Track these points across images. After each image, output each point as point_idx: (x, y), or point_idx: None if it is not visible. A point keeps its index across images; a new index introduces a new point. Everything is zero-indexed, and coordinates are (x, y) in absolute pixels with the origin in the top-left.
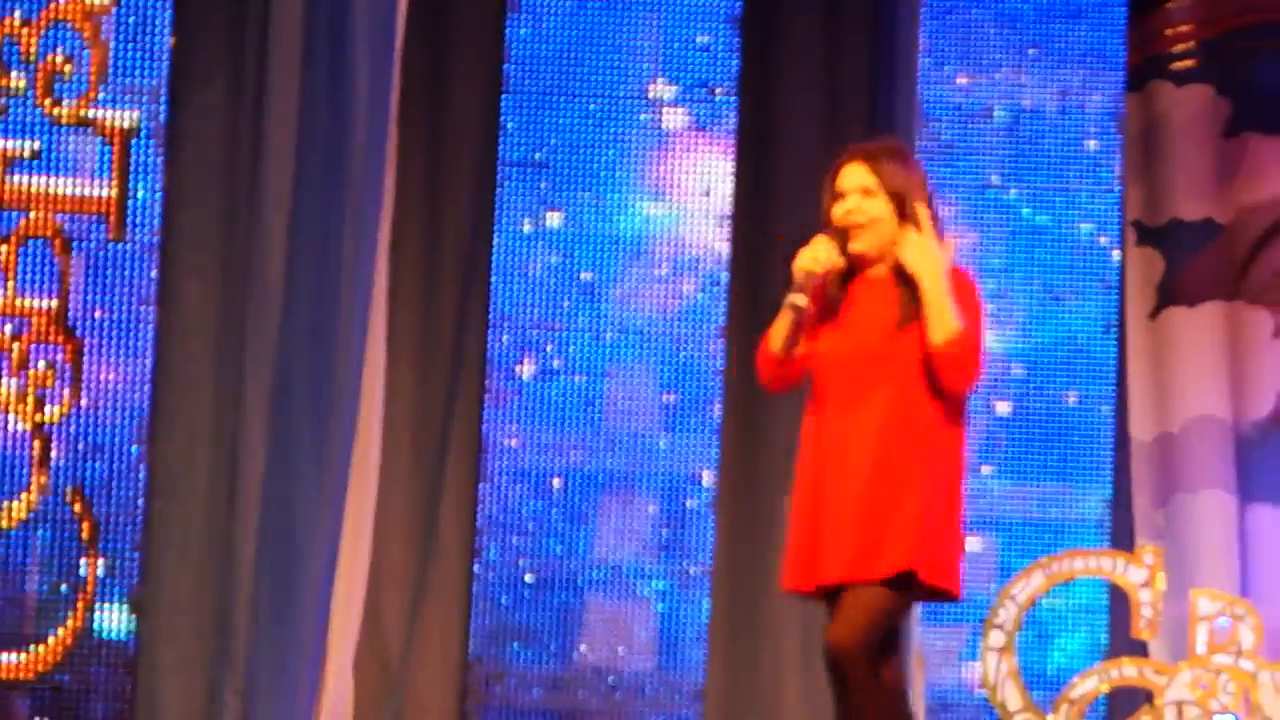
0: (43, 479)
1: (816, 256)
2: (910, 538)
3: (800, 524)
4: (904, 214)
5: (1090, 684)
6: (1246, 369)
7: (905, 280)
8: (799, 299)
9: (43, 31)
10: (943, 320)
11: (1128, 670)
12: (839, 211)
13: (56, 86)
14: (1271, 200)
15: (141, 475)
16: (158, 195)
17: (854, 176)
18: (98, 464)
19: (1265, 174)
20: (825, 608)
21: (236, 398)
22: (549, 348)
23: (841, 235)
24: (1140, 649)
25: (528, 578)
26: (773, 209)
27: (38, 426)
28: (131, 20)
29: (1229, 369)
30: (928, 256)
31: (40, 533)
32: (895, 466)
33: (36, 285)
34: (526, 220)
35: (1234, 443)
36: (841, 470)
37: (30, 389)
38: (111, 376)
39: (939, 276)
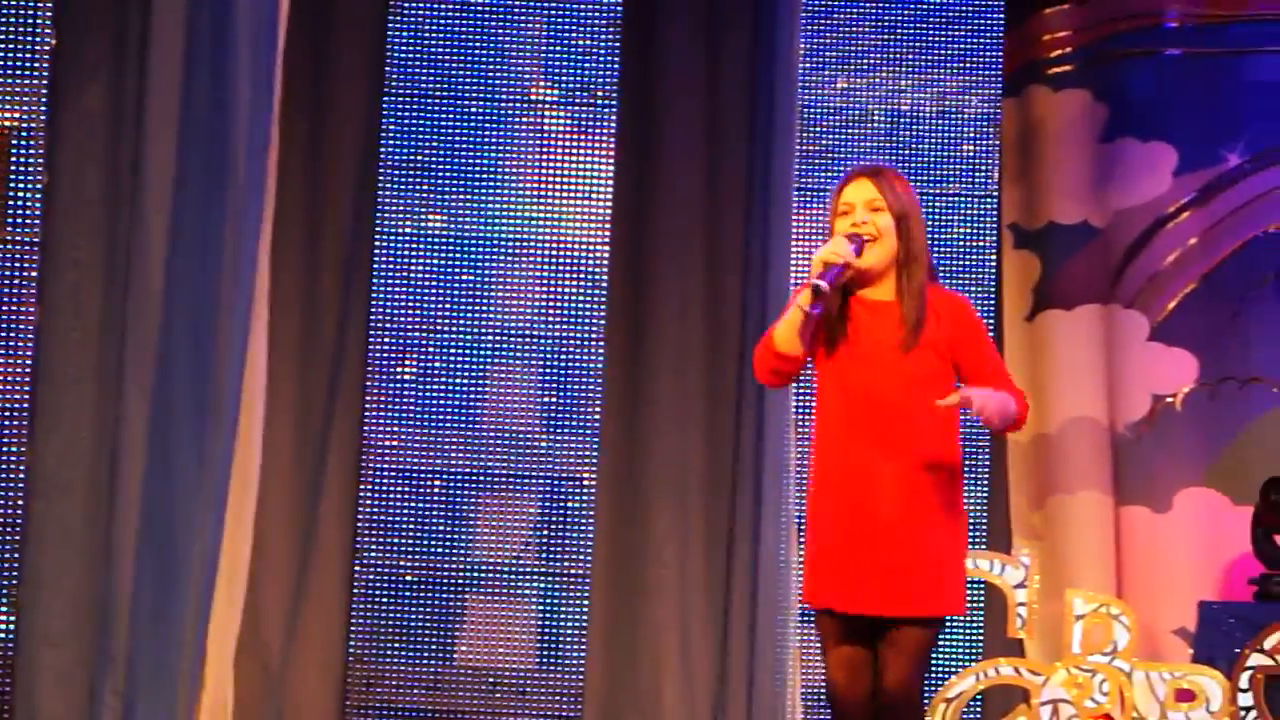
0: None
1: (836, 250)
2: (956, 578)
3: (833, 544)
4: (904, 234)
5: (967, 683)
6: (1122, 372)
7: (907, 303)
8: (821, 284)
9: None
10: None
11: (1004, 669)
12: (845, 225)
13: None
14: (1147, 204)
15: (21, 475)
16: (38, 195)
17: (861, 191)
18: None
19: (1141, 178)
20: (840, 621)
21: (117, 397)
22: (430, 348)
23: (861, 251)
24: (1016, 649)
25: (408, 577)
26: (653, 210)
27: None
28: (12, 20)
29: (1105, 371)
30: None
31: None
32: (930, 500)
33: None
34: (407, 221)
35: (1109, 444)
36: (874, 498)
37: None
38: None
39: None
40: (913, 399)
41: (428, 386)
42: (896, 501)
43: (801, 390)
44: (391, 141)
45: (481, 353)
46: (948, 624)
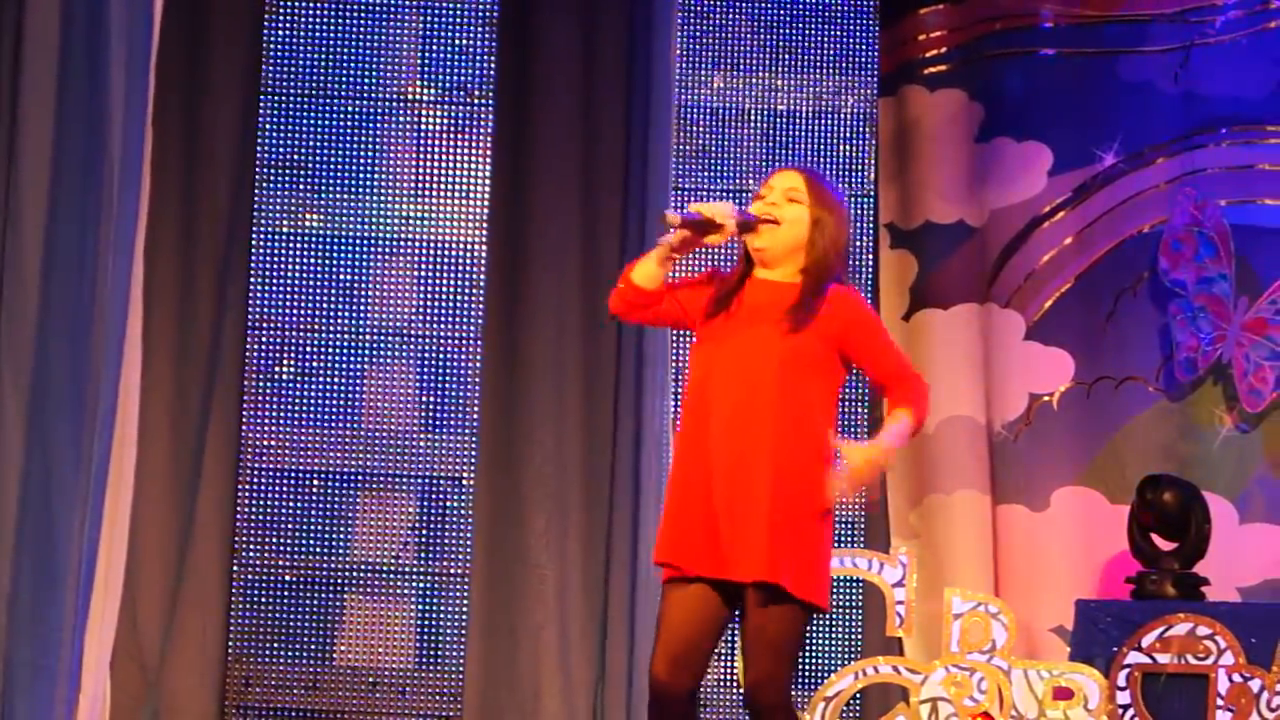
0: None
1: (716, 208)
2: (821, 568)
3: (692, 509)
4: (818, 231)
5: (846, 682)
6: (999, 370)
7: (803, 290)
8: (668, 212)
9: None
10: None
11: (883, 668)
12: (759, 207)
13: None
14: (1023, 203)
15: None
16: None
17: (786, 180)
18: None
19: (1016, 178)
20: (682, 603)
21: None
22: (308, 347)
23: (748, 226)
24: (895, 647)
25: (287, 577)
26: (530, 210)
27: None
28: None
29: (982, 371)
30: (872, 467)
31: None
32: (794, 481)
33: None
34: (284, 220)
35: (987, 444)
36: (739, 469)
37: None
38: None
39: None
40: (780, 377)
41: (306, 386)
42: (755, 472)
43: (680, 389)
44: (268, 140)
45: (360, 352)
46: (816, 621)
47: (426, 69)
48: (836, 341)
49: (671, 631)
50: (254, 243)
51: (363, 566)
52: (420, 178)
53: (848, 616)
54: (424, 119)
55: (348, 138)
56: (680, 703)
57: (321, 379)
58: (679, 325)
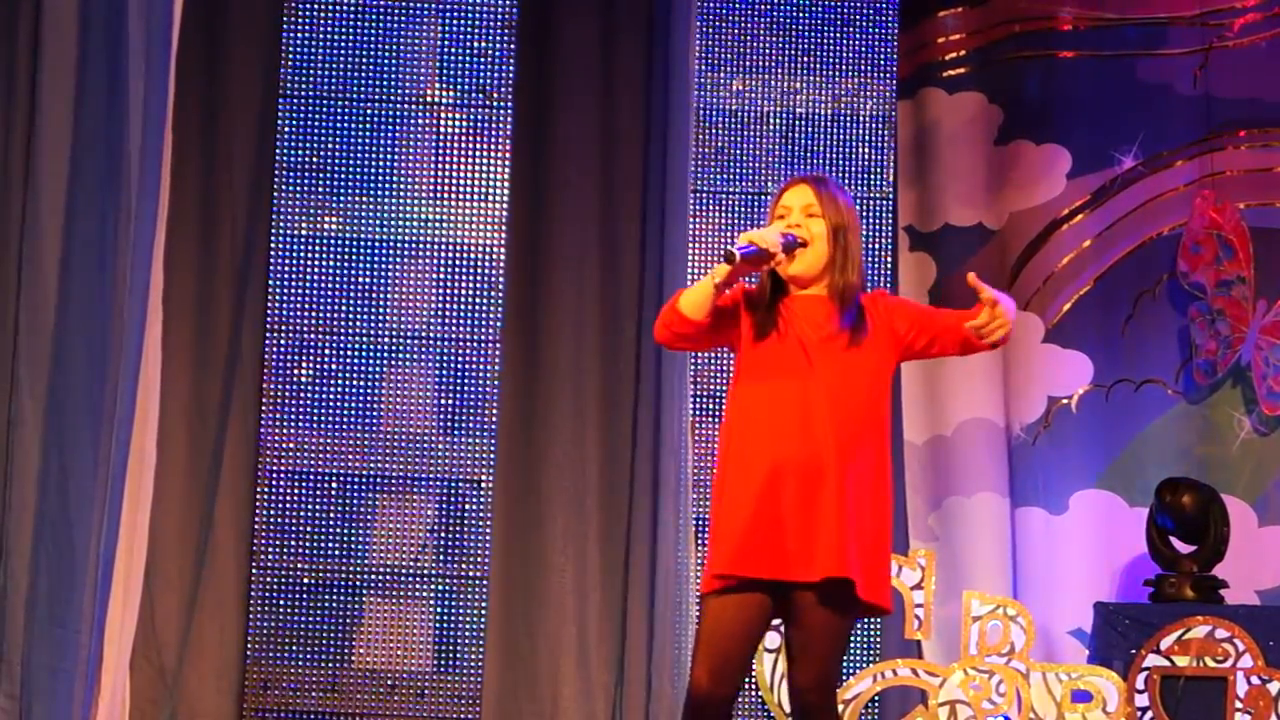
0: None
1: (766, 235)
2: (880, 568)
3: (759, 518)
4: (839, 244)
5: (865, 684)
6: (1018, 373)
7: (842, 303)
8: (735, 250)
9: None
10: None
11: (902, 671)
12: (782, 226)
13: None
14: (1042, 206)
15: None
16: None
17: (800, 196)
18: None
19: (1036, 181)
20: (729, 610)
21: (12, 399)
22: (326, 350)
23: (791, 249)
24: (914, 650)
25: (305, 580)
26: (549, 212)
27: None
28: None
29: (1001, 374)
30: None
31: None
32: (866, 483)
33: None
34: (303, 223)
35: (1005, 446)
36: (814, 477)
37: None
38: None
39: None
40: (841, 390)
41: (324, 388)
42: (829, 478)
43: (699, 393)
44: (287, 143)
45: (378, 355)
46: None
47: (445, 72)
48: (889, 340)
49: (715, 641)
50: (273, 246)
51: (381, 569)
52: (439, 180)
53: (866, 619)
54: (443, 122)
55: (366, 140)
56: (719, 711)
57: (340, 382)
58: (716, 346)
